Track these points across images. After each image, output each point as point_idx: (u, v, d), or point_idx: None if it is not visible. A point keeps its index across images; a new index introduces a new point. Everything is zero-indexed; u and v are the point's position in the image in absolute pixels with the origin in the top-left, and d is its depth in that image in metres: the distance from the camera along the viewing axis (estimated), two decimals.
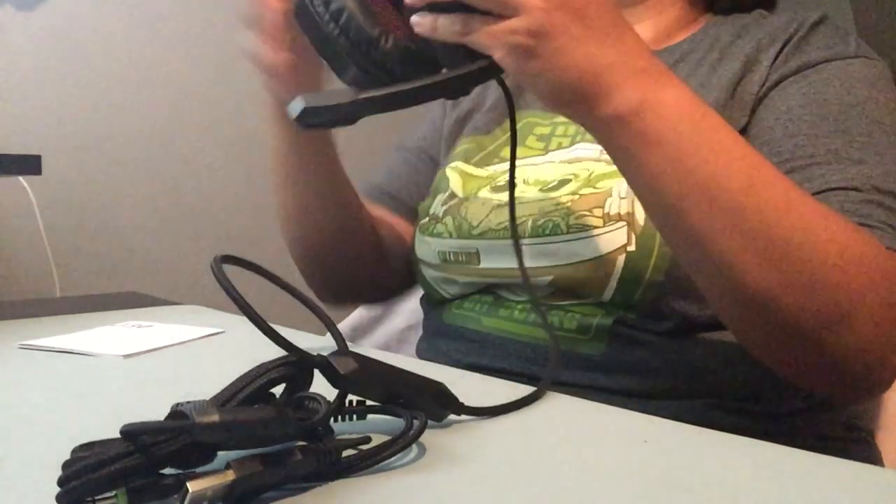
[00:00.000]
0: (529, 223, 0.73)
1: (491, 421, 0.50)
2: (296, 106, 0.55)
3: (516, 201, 0.76)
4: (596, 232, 0.69)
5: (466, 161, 0.85)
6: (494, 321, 0.76)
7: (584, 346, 0.71)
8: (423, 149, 0.97)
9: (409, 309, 1.02)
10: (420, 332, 0.89)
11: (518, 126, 0.85)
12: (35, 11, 1.28)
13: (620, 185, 0.70)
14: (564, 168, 0.77)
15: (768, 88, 0.71)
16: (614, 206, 0.69)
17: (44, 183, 1.25)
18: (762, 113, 0.70)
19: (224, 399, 0.36)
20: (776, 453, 0.45)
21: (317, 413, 0.37)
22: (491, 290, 0.77)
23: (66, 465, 0.32)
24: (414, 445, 0.42)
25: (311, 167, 0.80)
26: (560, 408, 0.54)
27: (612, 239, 0.69)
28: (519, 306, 0.75)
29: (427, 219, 0.83)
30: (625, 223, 0.68)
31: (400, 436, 0.40)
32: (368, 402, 0.44)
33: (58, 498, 0.32)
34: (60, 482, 0.32)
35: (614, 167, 0.72)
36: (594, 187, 0.72)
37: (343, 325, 1.05)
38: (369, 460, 0.39)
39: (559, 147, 0.80)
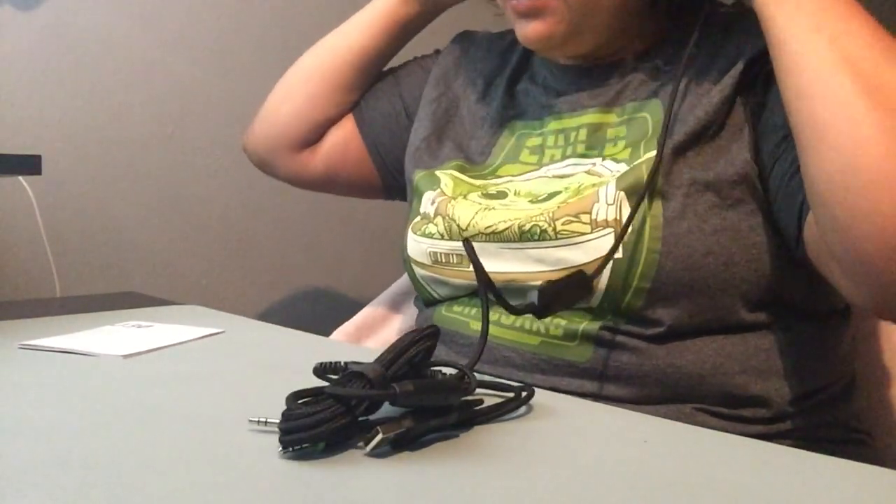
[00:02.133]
0: (516, 226, 0.73)
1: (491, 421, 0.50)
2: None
3: (506, 209, 0.76)
4: (583, 238, 0.69)
5: (462, 173, 0.84)
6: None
7: (571, 353, 0.71)
8: (405, 108, 0.98)
9: (414, 309, 1.02)
10: None
11: (511, 140, 0.85)
12: (35, 11, 1.28)
13: (607, 190, 0.70)
14: (556, 182, 0.77)
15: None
16: (601, 212, 0.69)
17: (44, 183, 1.25)
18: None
19: (389, 361, 0.45)
20: (776, 453, 0.46)
21: (469, 385, 0.48)
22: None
23: (286, 416, 0.42)
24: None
25: (414, 30, 0.98)
26: (560, 408, 0.54)
27: (599, 245, 0.68)
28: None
29: (419, 218, 0.83)
30: (612, 229, 0.68)
31: (513, 398, 0.52)
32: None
33: (281, 441, 0.41)
34: (283, 431, 0.41)
35: (602, 179, 0.72)
36: (581, 195, 0.72)
37: (348, 325, 1.05)
38: (495, 413, 0.50)
39: (552, 160, 0.80)
